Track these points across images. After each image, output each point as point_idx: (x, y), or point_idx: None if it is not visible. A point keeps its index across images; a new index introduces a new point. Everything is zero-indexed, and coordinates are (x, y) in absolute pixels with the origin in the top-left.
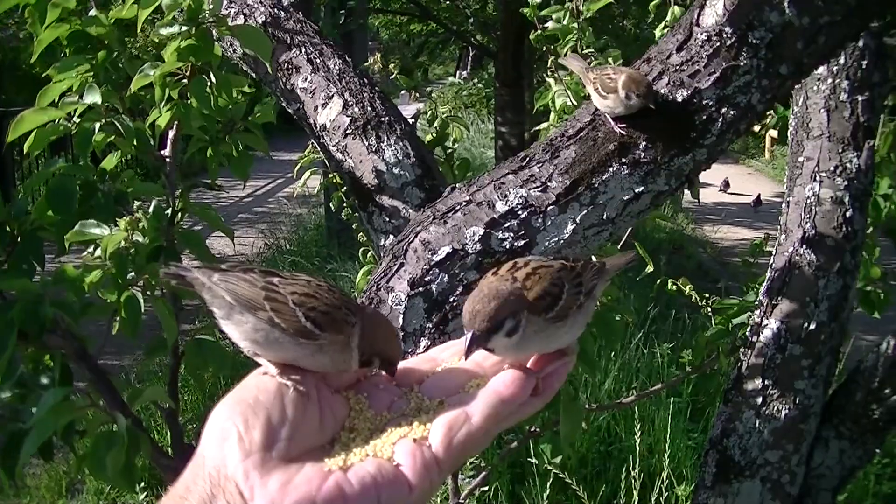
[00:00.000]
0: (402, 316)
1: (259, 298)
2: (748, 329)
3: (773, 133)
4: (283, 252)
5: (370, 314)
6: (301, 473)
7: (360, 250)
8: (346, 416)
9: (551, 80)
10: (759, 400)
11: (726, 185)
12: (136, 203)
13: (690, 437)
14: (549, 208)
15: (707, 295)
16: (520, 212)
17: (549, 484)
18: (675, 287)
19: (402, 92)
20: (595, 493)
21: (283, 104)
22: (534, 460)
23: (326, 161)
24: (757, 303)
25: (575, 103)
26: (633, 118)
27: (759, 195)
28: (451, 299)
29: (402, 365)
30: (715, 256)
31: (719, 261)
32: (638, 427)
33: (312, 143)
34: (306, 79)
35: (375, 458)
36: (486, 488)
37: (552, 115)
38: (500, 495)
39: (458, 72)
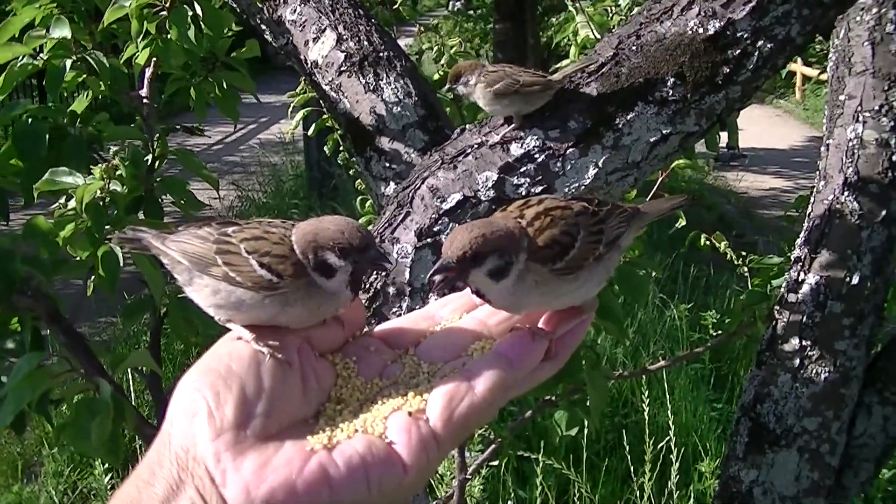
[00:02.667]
0: (408, 270)
1: (211, 254)
2: (784, 285)
3: (805, 70)
4: (257, 205)
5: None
6: (280, 454)
7: (358, 199)
8: (332, 384)
9: (573, 10)
10: (796, 362)
11: (733, 154)
12: (112, 149)
13: (714, 408)
14: (568, 151)
15: (743, 253)
16: (537, 155)
17: (560, 458)
18: (706, 242)
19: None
20: (610, 469)
21: (269, 38)
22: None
23: (321, 101)
24: (794, 255)
25: (599, 36)
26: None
27: (728, 147)
28: None
29: (395, 324)
30: (739, 208)
31: (745, 213)
32: (656, 397)
33: (304, 79)
34: (295, 10)
35: (365, 435)
36: (495, 462)
37: (572, 50)
38: (507, 471)
39: (451, 2)
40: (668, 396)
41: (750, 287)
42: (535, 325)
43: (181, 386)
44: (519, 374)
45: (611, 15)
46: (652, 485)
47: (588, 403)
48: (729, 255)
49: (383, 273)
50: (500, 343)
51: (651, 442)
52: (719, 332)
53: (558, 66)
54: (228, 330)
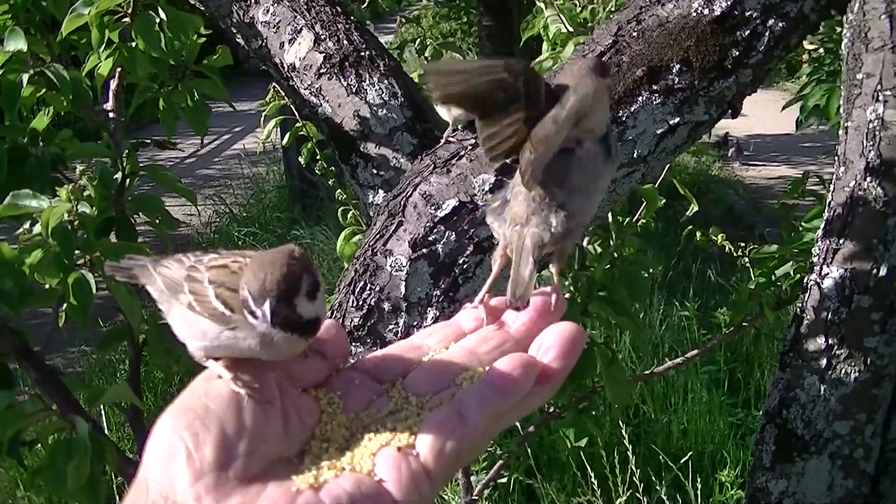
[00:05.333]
0: (403, 284)
1: (181, 279)
2: (805, 279)
3: (811, 48)
4: (237, 221)
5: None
6: (264, 496)
7: (340, 210)
8: (316, 420)
9: (541, 4)
10: (823, 362)
11: (738, 150)
12: (79, 168)
13: (731, 412)
14: None
15: (743, 244)
16: None
17: (570, 474)
18: (703, 237)
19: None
20: (625, 482)
21: (242, 42)
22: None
23: (294, 108)
24: (813, 249)
25: (570, 30)
26: None
27: (726, 135)
28: (460, 261)
29: (380, 355)
30: (748, 199)
31: (753, 204)
32: (668, 403)
33: (274, 86)
34: (268, 10)
35: (353, 473)
36: (503, 480)
37: (544, 45)
38: (515, 489)
39: None
40: (681, 401)
41: (753, 279)
42: (524, 352)
43: (157, 428)
44: (511, 403)
45: (579, 7)
46: (669, 498)
47: (605, 405)
48: (727, 248)
49: (377, 288)
50: (490, 371)
51: (666, 450)
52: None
53: (536, 60)
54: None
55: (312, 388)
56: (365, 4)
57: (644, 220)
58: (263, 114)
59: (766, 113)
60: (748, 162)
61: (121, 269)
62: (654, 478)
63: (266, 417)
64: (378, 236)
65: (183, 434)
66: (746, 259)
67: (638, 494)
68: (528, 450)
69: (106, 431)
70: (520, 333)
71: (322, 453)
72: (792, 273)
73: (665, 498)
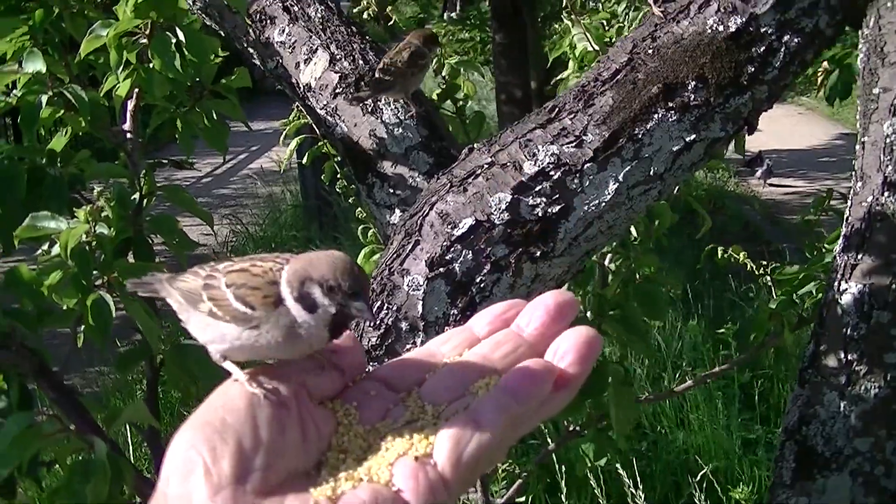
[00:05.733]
0: (421, 303)
1: (199, 289)
2: (824, 295)
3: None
4: (254, 239)
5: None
6: None
7: (360, 228)
8: (332, 432)
9: (568, 22)
10: (843, 379)
11: (769, 172)
12: (96, 189)
13: (747, 427)
14: (585, 166)
15: (764, 262)
16: (552, 172)
17: (588, 492)
18: (724, 255)
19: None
20: (645, 499)
21: (258, 62)
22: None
23: (314, 126)
24: (832, 265)
25: (597, 48)
26: None
27: (760, 154)
28: (477, 279)
29: (395, 365)
30: (764, 214)
31: (770, 219)
32: (682, 420)
33: (297, 105)
34: (284, 30)
35: (370, 484)
36: (521, 499)
37: (571, 64)
38: None
39: (444, 13)
40: (696, 418)
41: (775, 298)
42: (538, 356)
43: (175, 443)
44: (527, 409)
45: (607, 27)
46: None
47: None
48: (749, 267)
49: (394, 307)
50: (506, 378)
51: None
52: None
53: (558, 78)
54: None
55: (328, 400)
56: (385, 21)
57: (656, 237)
58: (284, 133)
59: (781, 128)
60: (775, 183)
61: (143, 285)
62: (670, 494)
63: (282, 430)
64: (395, 255)
65: (200, 448)
66: (768, 278)
67: None
68: (546, 468)
69: (128, 450)
70: (533, 338)
71: (339, 464)
72: (814, 292)
73: None
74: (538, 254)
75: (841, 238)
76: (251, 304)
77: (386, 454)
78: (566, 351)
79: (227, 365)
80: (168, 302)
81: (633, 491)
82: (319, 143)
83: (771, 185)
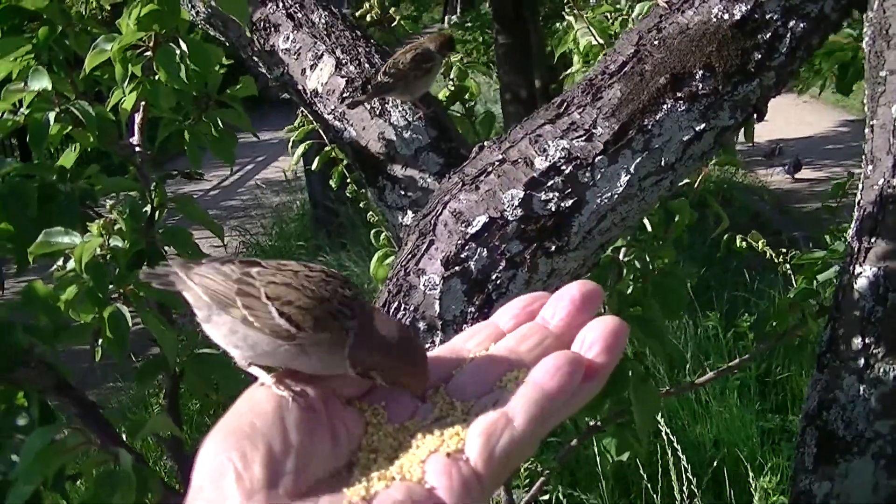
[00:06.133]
0: (437, 302)
1: (231, 294)
2: (839, 280)
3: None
4: (263, 249)
5: (377, 319)
6: None
7: (373, 232)
8: (362, 432)
9: (571, 18)
10: (861, 362)
11: (796, 166)
12: (109, 202)
13: (765, 418)
14: (597, 159)
15: (784, 250)
16: (563, 167)
17: (609, 488)
18: (743, 243)
19: None
20: (666, 493)
21: (263, 70)
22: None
23: (322, 132)
24: (846, 249)
25: (601, 42)
26: None
27: (778, 147)
28: (493, 277)
29: None
30: (773, 204)
31: (779, 209)
32: (700, 412)
33: (301, 111)
34: (288, 37)
35: (403, 482)
36: (545, 497)
37: (576, 59)
38: None
39: (445, 17)
40: (713, 410)
41: (795, 285)
42: (565, 348)
43: (204, 450)
44: (557, 401)
45: (611, 20)
46: None
47: (636, 421)
48: (768, 254)
49: (412, 307)
50: (535, 371)
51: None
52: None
53: (566, 74)
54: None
55: (356, 399)
56: (387, 24)
57: (677, 234)
58: (292, 138)
59: (787, 117)
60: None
61: (156, 276)
62: (693, 487)
63: (312, 432)
64: (410, 256)
65: (231, 454)
66: (787, 266)
67: None
68: (571, 463)
69: (150, 461)
70: (559, 329)
71: (371, 464)
72: (834, 280)
73: None
74: (553, 248)
75: (854, 222)
76: (298, 324)
77: (417, 452)
78: (593, 341)
79: (253, 369)
80: (185, 295)
81: (651, 485)
82: (327, 149)
83: (797, 180)
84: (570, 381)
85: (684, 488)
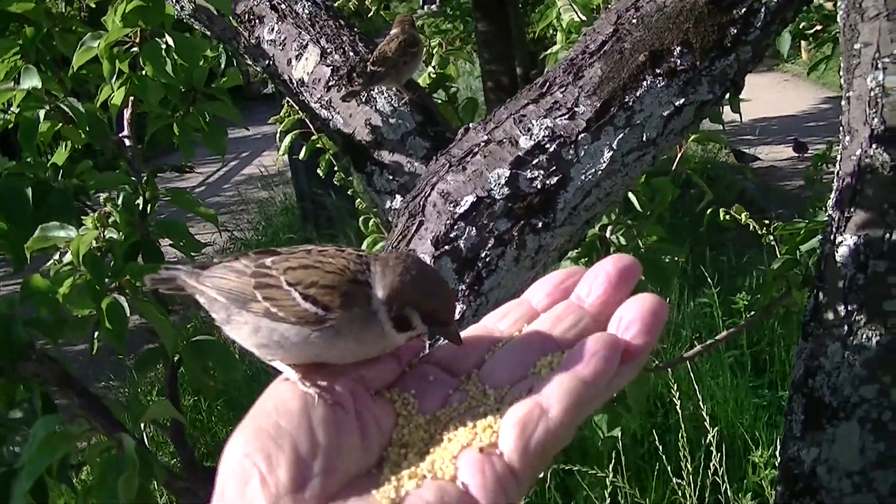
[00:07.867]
0: None
1: (248, 288)
2: (821, 249)
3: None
4: (251, 245)
5: (392, 258)
6: None
7: (361, 218)
8: (392, 424)
9: None
10: (844, 329)
11: (799, 146)
12: (103, 196)
13: (758, 394)
14: (580, 137)
15: (767, 222)
16: (547, 145)
17: (603, 466)
18: (727, 217)
19: None
20: (658, 472)
21: (249, 63)
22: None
23: (308, 121)
24: (827, 220)
25: (584, 18)
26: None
27: (797, 140)
28: (482, 255)
29: (452, 346)
30: (757, 182)
31: (763, 187)
32: (694, 389)
33: (287, 101)
34: (273, 29)
35: (435, 481)
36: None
37: (559, 36)
38: (552, 486)
39: (425, 5)
40: (707, 387)
41: (779, 257)
42: (602, 329)
43: (228, 452)
44: (594, 388)
45: None
46: (702, 484)
47: (628, 399)
48: (752, 226)
49: None
50: (571, 356)
51: (696, 438)
52: (752, 312)
53: (547, 53)
54: (247, 372)
55: (385, 389)
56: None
57: (660, 212)
58: (279, 129)
59: (769, 96)
60: (762, 140)
61: (163, 282)
62: (687, 463)
63: (340, 430)
64: (401, 237)
65: (255, 457)
66: (771, 237)
67: (672, 483)
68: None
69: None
70: (595, 308)
71: (401, 460)
72: (818, 250)
73: (698, 482)
74: (540, 225)
75: (833, 192)
76: (325, 304)
77: (449, 446)
78: (631, 321)
79: (278, 364)
80: (197, 299)
81: (645, 464)
82: (314, 138)
83: (806, 157)
84: (606, 367)
85: (685, 465)
